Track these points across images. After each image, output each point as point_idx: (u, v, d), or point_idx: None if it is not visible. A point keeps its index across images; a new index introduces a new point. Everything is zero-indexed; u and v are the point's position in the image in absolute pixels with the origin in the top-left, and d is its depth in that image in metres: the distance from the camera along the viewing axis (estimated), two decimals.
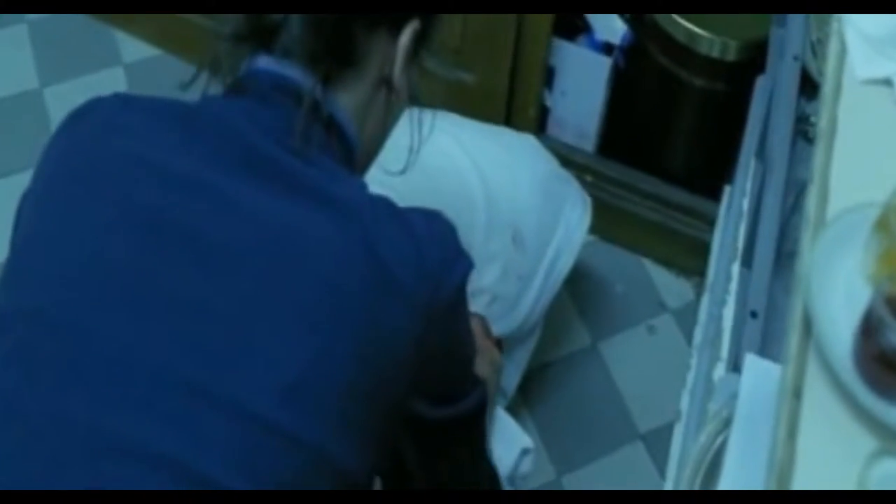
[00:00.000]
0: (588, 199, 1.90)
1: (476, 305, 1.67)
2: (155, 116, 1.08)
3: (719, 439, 1.18)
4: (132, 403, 0.96)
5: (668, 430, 1.70)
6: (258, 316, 0.99)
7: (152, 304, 0.99)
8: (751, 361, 1.15)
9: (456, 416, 1.18)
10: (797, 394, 0.99)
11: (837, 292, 1.02)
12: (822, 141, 1.07)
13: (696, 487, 1.21)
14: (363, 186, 1.08)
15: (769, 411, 1.01)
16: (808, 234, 1.03)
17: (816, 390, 0.99)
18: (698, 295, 1.99)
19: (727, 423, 1.15)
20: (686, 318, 2.08)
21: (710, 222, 1.87)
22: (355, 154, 1.13)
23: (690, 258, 2.09)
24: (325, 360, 0.99)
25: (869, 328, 0.96)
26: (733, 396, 1.14)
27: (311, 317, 1.00)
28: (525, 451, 1.65)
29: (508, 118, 2.10)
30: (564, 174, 1.90)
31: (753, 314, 1.27)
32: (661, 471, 1.88)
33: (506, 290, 1.74)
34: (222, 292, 1.00)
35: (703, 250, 1.85)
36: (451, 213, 1.06)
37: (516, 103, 2.08)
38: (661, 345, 2.14)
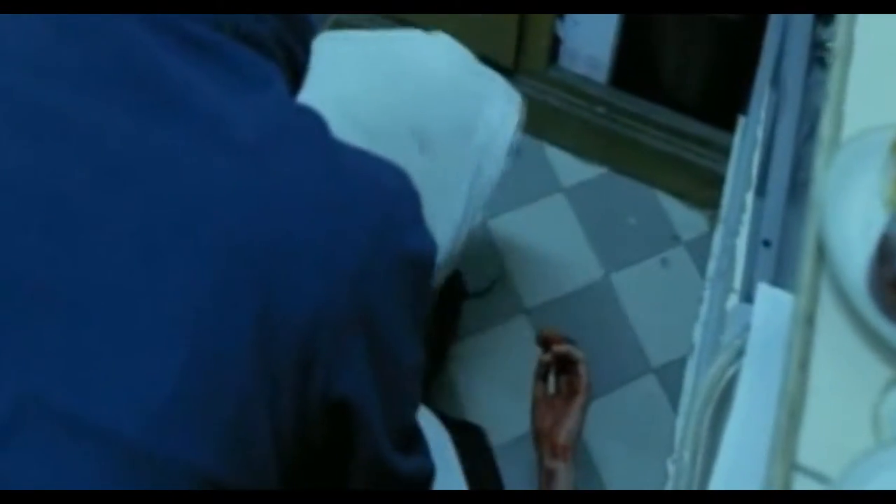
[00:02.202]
0: (517, 95, 1.66)
1: None
2: (26, 22, 0.84)
3: (731, 370, 1.16)
4: None
5: (681, 363, 1.70)
6: (128, 310, 0.76)
7: (3, 301, 0.76)
8: (763, 291, 1.12)
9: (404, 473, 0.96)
10: (810, 321, 0.97)
11: (853, 217, 0.99)
12: (838, 62, 1.05)
13: (707, 419, 1.20)
14: (282, 102, 0.86)
15: (782, 341, 0.98)
16: (822, 157, 1.01)
17: (830, 318, 0.97)
18: (712, 227, 1.97)
19: (739, 354, 1.13)
20: (700, 250, 2.06)
21: (725, 153, 1.84)
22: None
23: (704, 190, 2.07)
24: (208, 364, 0.76)
25: (885, 254, 0.93)
26: (746, 327, 1.12)
27: (190, 307, 0.76)
28: None
29: (519, 48, 2.06)
30: (482, 69, 1.64)
31: (766, 243, 1.25)
32: (674, 405, 1.87)
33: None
34: (86, 281, 0.76)
35: (717, 182, 1.83)
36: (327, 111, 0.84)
37: (527, 33, 2.05)
38: (674, 278, 2.12)
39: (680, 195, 2.18)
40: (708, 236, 2.01)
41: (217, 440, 0.78)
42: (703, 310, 1.70)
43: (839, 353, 0.96)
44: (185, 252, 0.77)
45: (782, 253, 1.24)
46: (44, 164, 0.78)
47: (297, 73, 0.95)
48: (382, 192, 0.85)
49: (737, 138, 1.76)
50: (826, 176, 0.99)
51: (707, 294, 1.73)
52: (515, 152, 1.63)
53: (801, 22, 1.30)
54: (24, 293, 0.76)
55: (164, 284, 0.76)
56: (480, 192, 1.58)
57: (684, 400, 1.63)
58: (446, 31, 1.78)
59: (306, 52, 0.96)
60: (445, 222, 1.54)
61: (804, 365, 0.95)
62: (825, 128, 1.02)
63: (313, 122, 0.85)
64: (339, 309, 0.81)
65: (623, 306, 2.09)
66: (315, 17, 0.97)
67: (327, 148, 0.84)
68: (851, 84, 1.05)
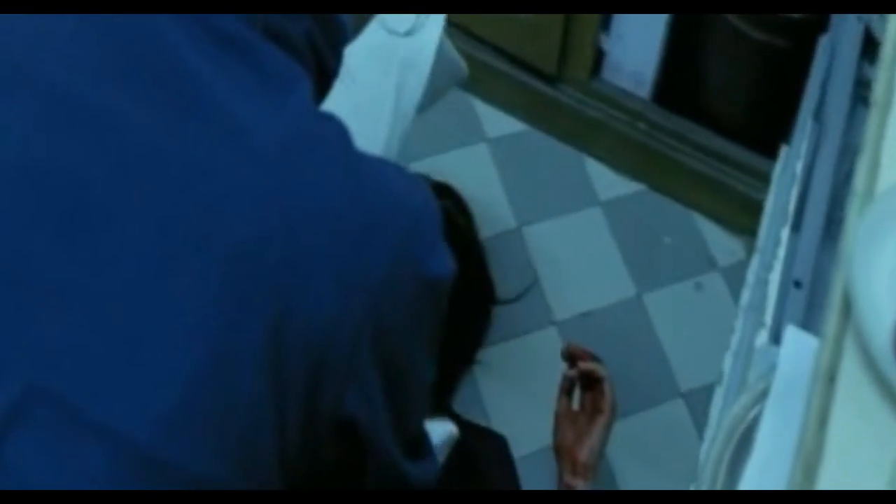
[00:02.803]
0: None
1: None
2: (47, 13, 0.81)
3: (754, 411, 1.14)
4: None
5: (710, 390, 1.66)
6: (141, 311, 0.74)
7: (15, 292, 0.75)
8: (791, 334, 1.10)
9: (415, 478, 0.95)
10: (831, 378, 0.93)
11: (882, 273, 0.95)
12: (877, 110, 1.01)
13: (727, 458, 1.18)
14: (304, 108, 0.83)
15: (806, 388, 0.95)
16: (854, 207, 0.97)
17: (852, 376, 0.93)
18: (749, 255, 1.94)
19: (763, 396, 1.11)
20: (735, 277, 2.03)
21: (766, 181, 1.80)
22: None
23: (743, 216, 2.03)
24: (218, 370, 0.75)
25: None
26: (771, 368, 1.09)
27: (203, 312, 0.74)
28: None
29: (562, 57, 2.05)
30: None
31: (797, 284, 1.22)
32: (701, 431, 1.84)
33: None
34: (101, 278, 0.74)
35: (756, 209, 1.79)
36: None
37: (571, 43, 2.03)
38: (707, 303, 2.09)
39: (718, 219, 2.15)
40: (744, 263, 1.99)
41: (223, 448, 0.77)
42: (734, 340, 1.67)
43: (859, 412, 0.92)
44: (201, 257, 0.75)
45: (814, 294, 1.21)
46: (65, 155, 0.76)
47: (325, 78, 0.93)
48: (405, 210, 0.82)
49: (778, 168, 1.72)
50: (857, 228, 0.95)
51: (739, 324, 1.69)
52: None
53: (847, 56, 1.27)
54: (39, 285, 0.74)
55: (178, 288, 0.75)
56: (406, 106, 1.51)
57: (710, 428, 1.60)
58: (489, 33, 1.77)
59: (337, 57, 0.94)
60: (370, 145, 1.44)
61: (822, 422, 0.92)
62: (860, 177, 0.98)
63: (335, 132, 0.83)
64: (354, 328, 0.79)
65: (654, 327, 2.07)
66: (349, 23, 0.94)
67: (349, 160, 0.82)
68: (890, 132, 1.01)
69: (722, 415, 1.40)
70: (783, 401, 1.04)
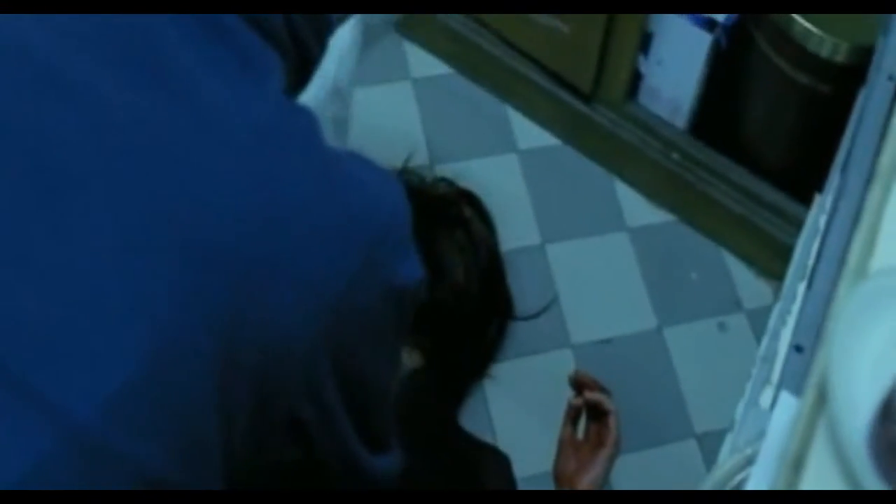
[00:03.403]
0: None
1: None
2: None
3: (740, 476, 1.08)
4: None
5: (724, 435, 1.62)
6: (98, 289, 0.72)
7: None
8: (784, 401, 1.03)
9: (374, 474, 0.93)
10: (798, 466, 0.87)
11: (864, 362, 0.88)
12: (880, 180, 0.93)
13: None
14: (278, 99, 0.81)
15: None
16: (844, 284, 0.90)
17: (821, 467, 0.87)
18: (776, 302, 1.88)
19: (750, 462, 1.05)
20: (761, 321, 1.97)
21: (799, 227, 1.74)
22: None
23: (774, 260, 1.97)
24: (167, 360, 0.72)
25: (889, 412, 0.83)
26: (761, 434, 1.03)
27: (159, 299, 0.72)
28: None
29: (599, 75, 2.02)
30: None
31: (798, 348, 1.15)
32: None
33: None
34: (63, 249, 0.72)
35: (787, 255, 1.73)
36: None
37: (609, 62, 2.00)
38: (730, 345, 2.05)
39: (748, 260, 2.11)
40: (770, 310, 1.94)
41: (165, 438, 0.74)
42: (748, 389, 1.61)
43: None
44: (164, 241, 0.73)
45: (815, 361, 1.14)
46: (42, 124, 0.75)
47: (306, 65, 0.92)
48: (377, 212, 0.81)
49: (810, 216, 1.65)
50: (842, 309, 0.88)
51: (754, 374, 1.63)
52: None
53: (875, 113, 1.19)
54: (16, 267, 0.72)
55: (136, 271, 0.73)
56: (341, 38, 1.47)
57: None
58: (527, 44, 1.75)
59: (321, 45, 0.92)
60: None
61: None
62: (854, 252, 0.91)
63: (307, 124, 0.82)
64: (314, 333, 0.78)
65: (673, 363, 2.03)
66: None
67: (323, 156, 0.81)
68: (891, 208, 0.94)
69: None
70: (769, 471, 0.98)
